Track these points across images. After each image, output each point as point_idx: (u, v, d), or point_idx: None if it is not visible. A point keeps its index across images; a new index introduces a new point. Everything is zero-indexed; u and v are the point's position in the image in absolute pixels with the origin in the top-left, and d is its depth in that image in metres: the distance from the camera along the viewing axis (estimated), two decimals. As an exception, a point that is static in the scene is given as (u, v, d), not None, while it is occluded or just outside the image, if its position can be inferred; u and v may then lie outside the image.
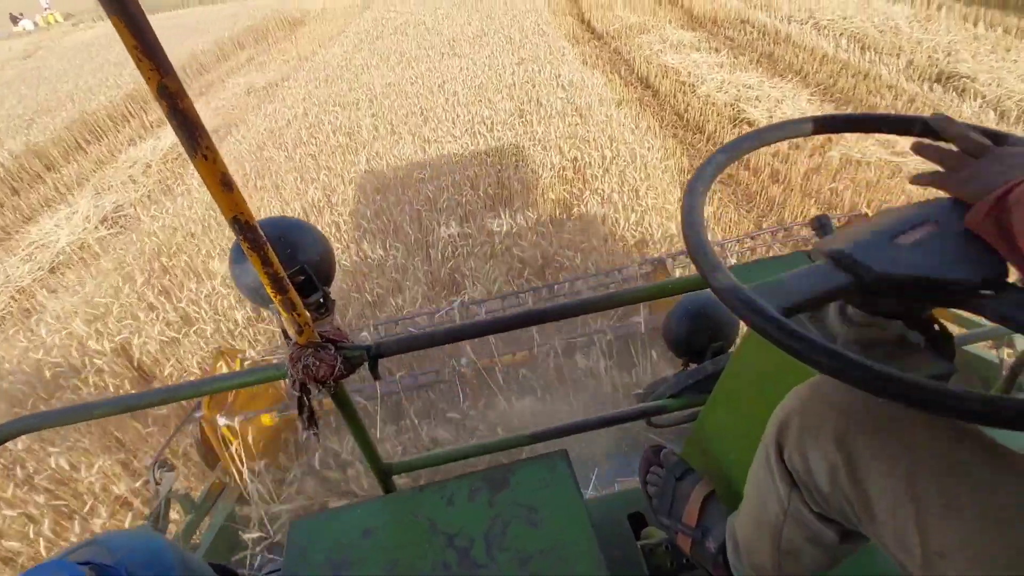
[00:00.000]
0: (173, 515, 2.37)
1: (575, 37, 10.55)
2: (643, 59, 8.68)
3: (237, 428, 2.60)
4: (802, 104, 6.57)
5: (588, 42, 10.34)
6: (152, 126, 9.82)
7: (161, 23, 19.80)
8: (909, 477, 0.51)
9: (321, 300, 0.86)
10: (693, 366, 1.31)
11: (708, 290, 0.61)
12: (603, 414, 1.30)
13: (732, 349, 1.32)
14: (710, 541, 0.88)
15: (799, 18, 9.47)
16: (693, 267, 0.60)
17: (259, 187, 6.15)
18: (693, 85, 7.28)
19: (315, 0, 20.00)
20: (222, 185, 0.59)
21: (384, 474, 1.15)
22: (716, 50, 8.80)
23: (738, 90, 7.00)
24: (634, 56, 8.90)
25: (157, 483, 2.01)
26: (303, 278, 0.83)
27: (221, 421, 2.58)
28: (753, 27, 9.47)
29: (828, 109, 6.49)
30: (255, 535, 2.41)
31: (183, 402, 2.75)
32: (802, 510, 0.64)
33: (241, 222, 0.63)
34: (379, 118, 7.36)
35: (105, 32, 20.32)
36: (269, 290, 0.72)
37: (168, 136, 8.77)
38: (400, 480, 1.23)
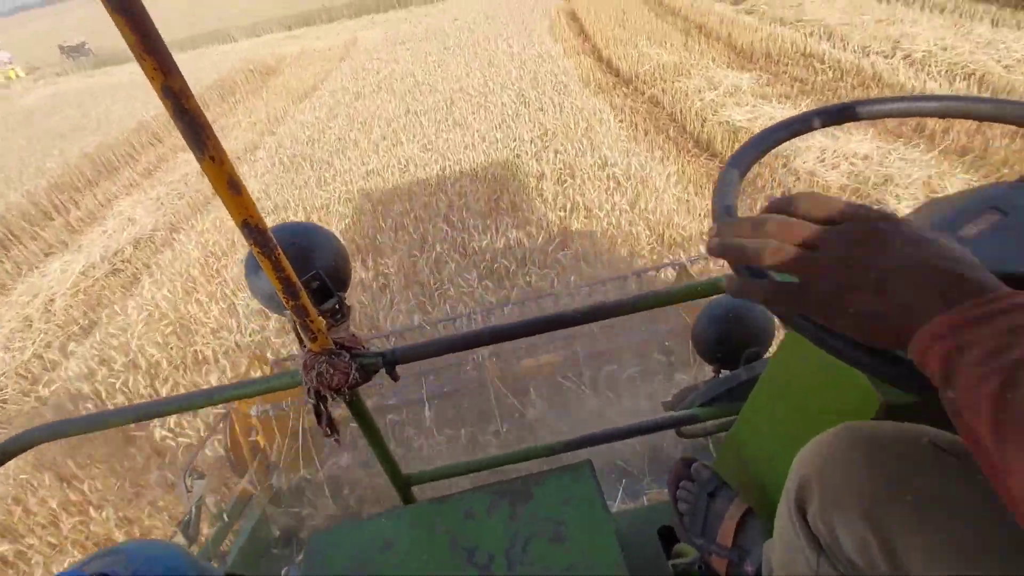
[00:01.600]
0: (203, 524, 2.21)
1: (599, 84, 8.68)
2: (696, 114, 6.79)
3: (268, 420, 2.66)
4: (957, 184, 4.66)
5: (615, 89, 8.46)
6: (78, 225, 7.83)
7: (117, 77, 18.12)
8: (959, 555, 0.43)
9: (336, 306, 0.82)
10: (725, 373, 1.24)
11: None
12: (630, 423, 1.20)
13: (768, 355, 1.22)
14: (748, 564, 0.81)
15: (880, 50, 7.64)
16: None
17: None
18: (786, 158, 5.37)
19: (291, 44, 18.33)
20: (230, 188, 0.56)
21: (403, 485, 1.13)
22: (787, 97, 6.93)
23: (852, 164, 5.09)
24: (682, 110, 7.01)
25: (189, 490, 2.16)
26: (318, 284, 0.80)
27: (253, 411, 2.67)
28: (822, 63, 7.63)
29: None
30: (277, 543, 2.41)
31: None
32: None
33: (251, 226, 0.60)
34: (355, 230, 5.38)
35: (59, 91, 18.56)
36: (281, 296, 0.70)
37: (92, 248, 6.79)
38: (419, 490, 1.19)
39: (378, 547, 0.97)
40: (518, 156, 5.92)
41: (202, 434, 3.16)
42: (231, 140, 9.73)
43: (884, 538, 0.47)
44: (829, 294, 0.39)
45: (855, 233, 0.39)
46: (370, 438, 0.99)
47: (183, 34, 24.73)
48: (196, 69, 15.75)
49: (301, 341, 0.81)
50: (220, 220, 6.51)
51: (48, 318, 5.55)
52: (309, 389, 0.82)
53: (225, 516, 2.30)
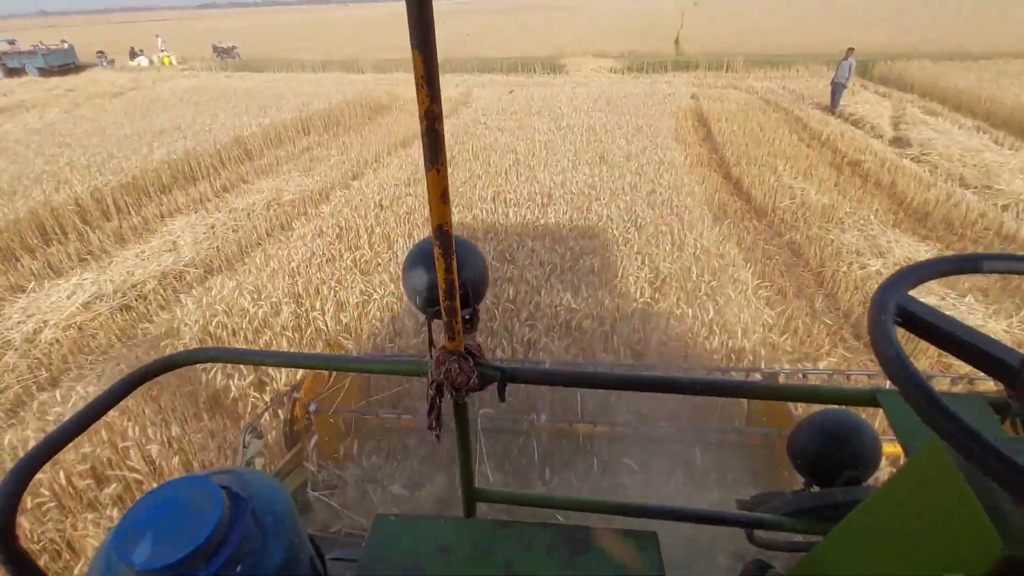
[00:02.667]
0: None
1: (724, 209, 7.29)
2: (855, 287, 5.20)
3: (322, 417, 2.83)
4: None
5: (744, 220, 7.03)
6: (128, 235, 7.25)
7: (250, 82, 19.04)
8: None
9: (469, 316, 0.91)
10: (816, 489, 1.18)
11: (849, 411, 0.91)
12: (705, 508, 1.16)
13: (869, 481, 1.17)
14: None
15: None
16: None
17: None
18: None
19: (410, 86, 18.55)
20: (441, 197, 0.66)
21: (472, 497, 1.14)
22: (986, 293, 5.17)
23: None
24: (835, 275, 5.44)
25: (245, 446, 2.37)
26: (462, 292, 0.85)
27: (312, 407, 2.84)
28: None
29: None
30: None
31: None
32: None
33: (444, 231, 0.69)
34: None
35: (198, 85, 19.71)
36: (441, 294, 0.76)
37: (116, 271, 6.06)
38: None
39: (437, 548, 1.01)
40: (618, 309, 4.45)
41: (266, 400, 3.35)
42: (315, 177, 9.14)
43: None
44: None
45: None
46: (461, 442, 1.03)
47: (317, 57, 26.29)
48: (316, 93, 16.02)
49: (431, 342, 0.94)
50: (260, 268, 5.61)
51: (29, 351, 4.70)
52: (432, 381, 0.89)
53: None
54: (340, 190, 8.48)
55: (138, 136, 10.87)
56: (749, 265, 5.57)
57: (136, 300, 5.63)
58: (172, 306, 5.64)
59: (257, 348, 4.17)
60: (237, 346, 4.39)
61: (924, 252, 5.90)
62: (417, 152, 10.17)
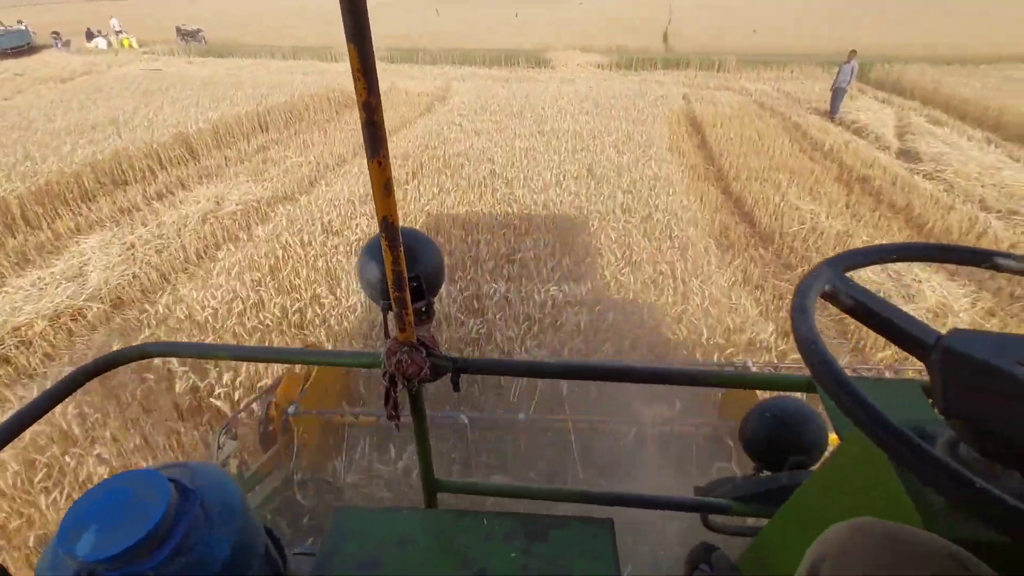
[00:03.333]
0: None
1: (726, 235, 6.43)
2: (897, 354, 4.37)
3: (301, 420, 2.82)
4: None
5: (750, 248, 6.17)
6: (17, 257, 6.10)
7: (211, 68, 17.51)
8: None
9: (424, 308, 0.94)
10: (766, 474, 1.24)
11: (796, 396, 0.96)
12: (660, 495, 1.24)
13: (814, 466, 1.22)
14: None
15: None
16: None
17: None
18: None
19: (384, 78, 17.33)
20: (384, 189, 0.69)
21: (432, 488, 1.17)
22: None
23: None
24: (866, 331, 4.61)
25: (220, 447, 2.41)
26: (416, 284, 0.90)
27: (291, 409, 2.82)
28: (1080, 300, 5.09)
29: None
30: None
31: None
32: None
33: (389, 223, 0.72)
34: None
35: (147, 71, 18.18)
36: (390, 286, 0.79)
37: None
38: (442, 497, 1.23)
39: (396, 540, 1.01)
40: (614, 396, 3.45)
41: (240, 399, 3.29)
42: (261, 184, 8.03)
43: None
44: None
45: None
46: (418, 433, 1.05)
47: (289, 43, 24.80)
48: (279, 83, 14.74)
49: (386, 333, 0.94)
50: (163, 316, 4.58)
51: None
52: (385, 372, 0.91)
53: (243, 480, 2.43)
54: (286, 205, 7.38)
55: (67, 131, 9.59)
56: (761, 309, 4.72)
57: (16, 348, 4.55)
58: (62, 355, 4.58)
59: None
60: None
61: (962, 297, 5.10)
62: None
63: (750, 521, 1.27)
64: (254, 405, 2.98)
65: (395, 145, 9.47)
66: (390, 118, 12.01)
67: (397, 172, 8.32)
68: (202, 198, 7.47)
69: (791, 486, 1.07)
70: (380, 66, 20.61)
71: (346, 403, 3.23)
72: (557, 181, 7.13)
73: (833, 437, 1.01)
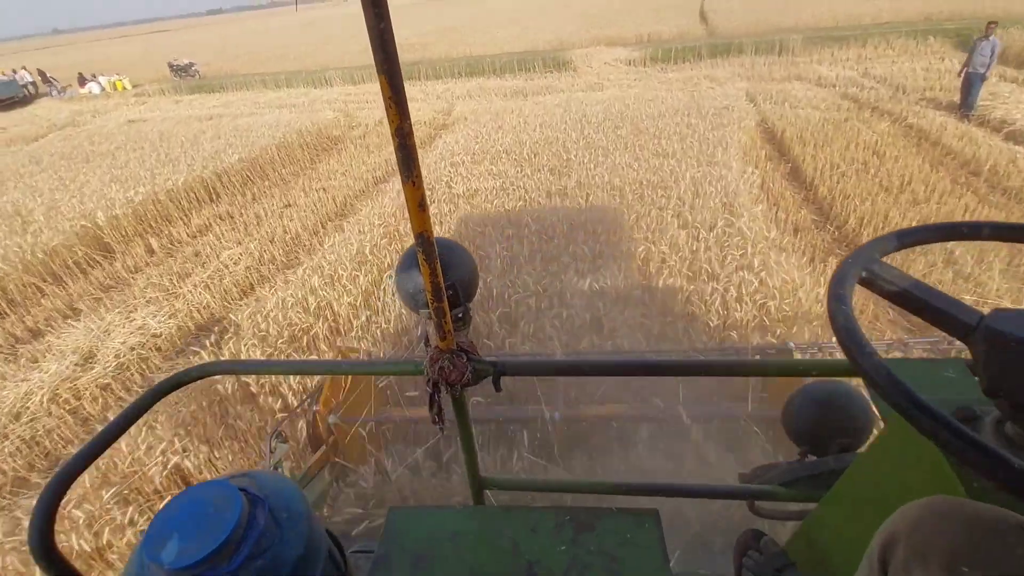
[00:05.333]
0: None
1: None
2: None
3: (342, 427, 2.98)
4: None
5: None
6: None
7: (198, 109, 15.37)
8: None
9: (461, 314, 0.96)
10: (812, 458, 1.22)
11: (840, 380, 0.98)
12: (707, 484, 1.24)
13: (860, 449, 1.22)
14: None
15: None
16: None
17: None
18: None
19: (377, 102, 14.79)
20: (419, 206, 0.72)
21: (478, 485, 1.19)
22: None
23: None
24: None
25: (272, 451, 2.52)
26: (451, 292, 0.91)
27: (331, 419, 2.98)
28: None
29: None
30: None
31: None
32: None
33: (424, 237, 0.75)
34: None
35: (133, 123, 16.30)
36: (429, 296, 0.82)
37: None
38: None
39: (448, 536, 1.05)
40: None
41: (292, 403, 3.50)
42: (164, 314, 5.55)
43: None
44: None
45: None
46: (463, 434, 1.07)
47: (280, 67, 22.69)
48: (251, 129, 12.42)
49: (426, 341, 0.96)
50: None
51: None
52: (429, 380, 0.93)
53: (297, 481, 2.58)
54: (189, 352, 4.82)
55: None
56: None
57: None
58: None
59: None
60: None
61: None
62: (365, 227, 6.55)
63: (795, 506, 1.26)
64: (300, 409, 3.12)
65: (382, 201, 6.84)
66: (371, 167, 9.44)
67: (402, 247, 5.75)
68: (69, 350, 5.05)
69: (838, 470, 1.08)
70: (373, 87, 18.19)
71: (388, 404, 3.30)
72: (595, 321, 4.20)
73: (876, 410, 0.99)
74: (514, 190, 6.66)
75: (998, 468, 0.45)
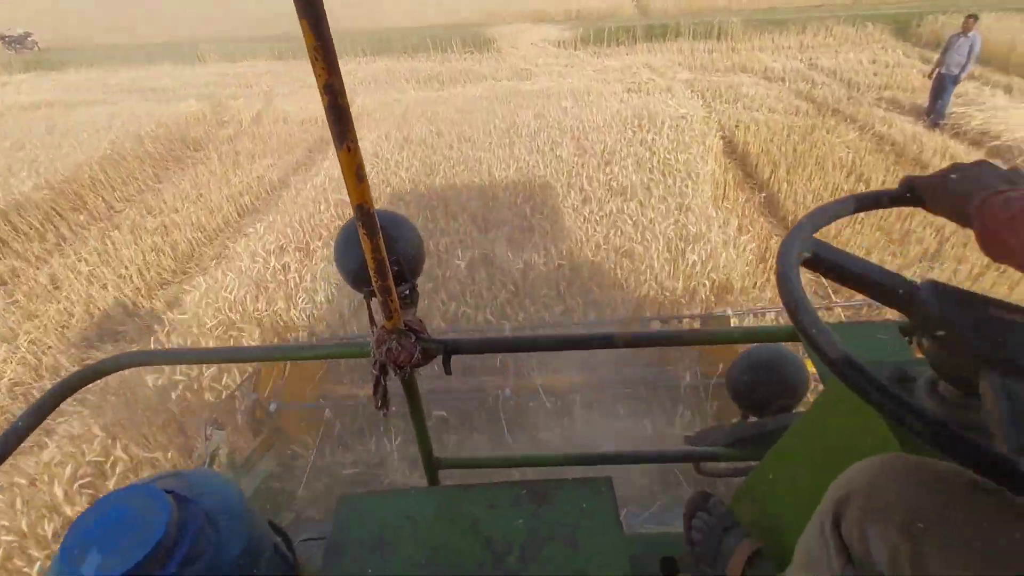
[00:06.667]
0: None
1: None
2: None
3: (283, 410, 2.88)
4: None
5: None
6: None
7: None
8: (979, 570, 0.50)
9: (408, 292, 0.90)
10: (753, 419, 1.28)
11: (779, 344, 1.01)
12: (652, 449, 1.33)
13: (797, 409, 1.30)
14: None
15: None
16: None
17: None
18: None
19: (261, 90, 12.03)
20: (356, 175, 0.63)
21: (433, 466, 1.17)
22: None
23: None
24: None
25: (207, 438, 2.47)
26: (396, 269, 0.85)
27: (272, 407, 2.87)
28: None
29: None
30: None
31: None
32: None
33: (365, 210, 0.67)
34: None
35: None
36: (372, 274, 0.76)
37: None
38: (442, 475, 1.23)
39: (403, 519, 1.01)
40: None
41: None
42: None
43: (916, 549, 0.52)
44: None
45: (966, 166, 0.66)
46: (414, 416, 1.04)
47: (146, 39, 18.68)
48: (75, 126, 9.43)
49: (372, 321, 0.92)
50: None
51: None
52: (376, 361, 0.88)
53: (235, 469, 2.45)
54: None
55: None
56: None
57: None
58: None
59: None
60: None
61: None
62: (215, 302, 4.36)
63: (740, 465, 1.32)
64: (237, 394, 2.97)
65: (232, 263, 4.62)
66: (228, 196, 7.03)
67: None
68: None
69: (778, 429, 1.12)
70: (265, 66, 15.17)
71: (329, 385, 3.21)
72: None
73: (815, 373, 1.07)
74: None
75: (926, 428, 0.48)
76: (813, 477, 0.78)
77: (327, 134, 9.65)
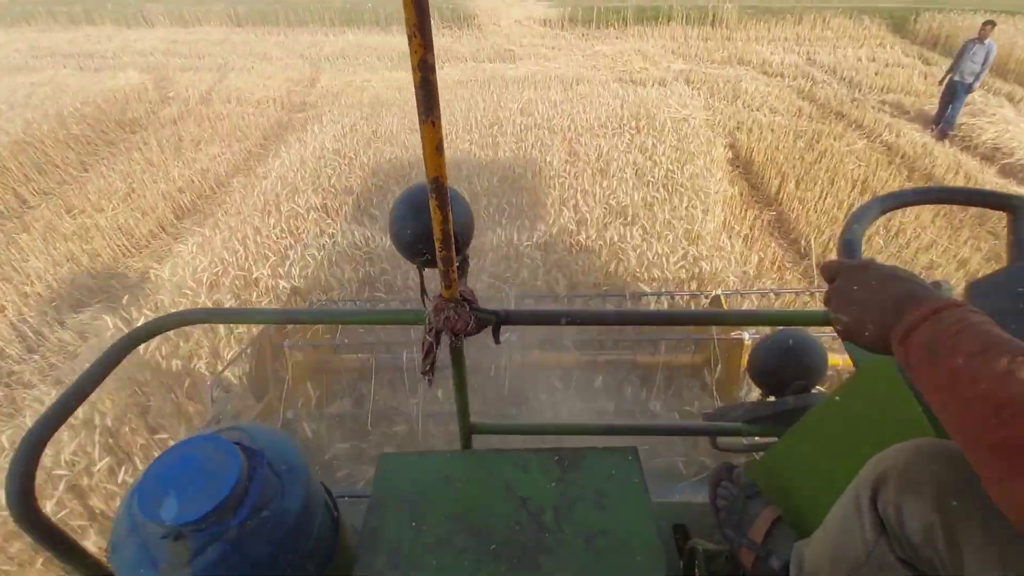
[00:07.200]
0: None
1: None
2: None
3: (297, 356, 2.91)
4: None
5: None
6: None
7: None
8: (1006, 545, 0.53)
9: (460, 262, 0.89)
10: (771, 399, 1.35)
11: (800, 328, 1.30)
12: (676, 422, 1.54)
13: (815, 389, 1.36)
14: (774, 560, 0.91)
15: None
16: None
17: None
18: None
19: (205, 75, 10.77)
20: (436, 149, 0.65)
21: (468, 431, 1.18)
22: None
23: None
24: None
25: (213, 401, 2.50)
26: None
27: (286, 344, 2.87)
28: None
29: None
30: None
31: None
32: (887, 555, 0.65)
33: (439, 183, 0.69)
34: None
35: None
36: (437, 244, 0.76)
37: None
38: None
39: (441, 479, 1.07)
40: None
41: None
42: None
43: (949, 523, 0.57)
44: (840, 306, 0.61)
45: (843, 276, 0.62)
46: (457, 382, 1.06)
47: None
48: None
49: (423, 290, 0.97)
50: None
51: None
52: (431, 329, 0.90)
53: None
54: None
55: None
56: None
57: None
58: None
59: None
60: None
61: None
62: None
63: (749, 442, 1.44)
64: (242, 356, 2.96)
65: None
66: (155, 201, 6.03)
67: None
68: None
69: (796, 409, 1.20)
70: (215, 33, 13.70)
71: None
72: None
73: (834, 360, 1.47)
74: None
75: None
76: (838, 454, 0.86)
77: (285, 119, 8.70)
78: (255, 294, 3.73)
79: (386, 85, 9.27)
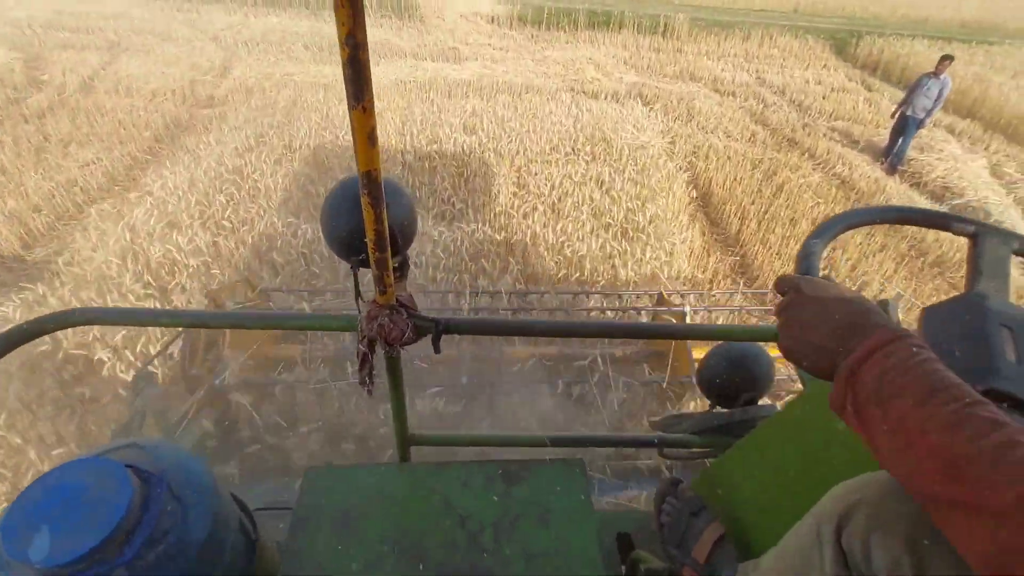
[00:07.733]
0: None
1: None
2: None
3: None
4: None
5: None
6: None
7: None
8: None
9: (399, 264, 0.83)
10: (719, 410, 1.34)
11: (748, 342, 1.26)
12: (622, 434, 1.43)
13: (762, 401, 1.36)
14: None
15: None
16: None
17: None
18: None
19: (91, 56, 9.15)
20: (368, 139, 0.58)
21: (406, 442, 1.12)
22: None
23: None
24: None
25: (137, 394, 2.34)
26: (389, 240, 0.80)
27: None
28: None
29: None
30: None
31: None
32: None
33: (372, 177, 0.62)
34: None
35: None
36: (371, 246, 0.70)
37: None
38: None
39: (374, 494, 0.99)
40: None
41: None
42: None
43: (918, 563, 0.54)
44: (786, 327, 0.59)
45: (794, 291, 0.60)
46: (394, 392, 1.01)
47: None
48: None
49: (358, 293, 0.85)
50: None
51: None
52: (364, 337, 0.83)
53: (167, 427, 2.29)
54: None
55: None
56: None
57: None
58: None
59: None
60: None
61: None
62: None
63: (702, 451, 1.38)
64: (173, 349, 2.73)
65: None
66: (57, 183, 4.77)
67: None
68: None
69: (745, 421, 1.20)
70: (100, 3, 11.75)
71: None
72: None
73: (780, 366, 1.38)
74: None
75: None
76: (788, 471, 0.82)
77: (185, 116, 7.40)
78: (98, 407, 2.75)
79: (311, 81, 8.16)
